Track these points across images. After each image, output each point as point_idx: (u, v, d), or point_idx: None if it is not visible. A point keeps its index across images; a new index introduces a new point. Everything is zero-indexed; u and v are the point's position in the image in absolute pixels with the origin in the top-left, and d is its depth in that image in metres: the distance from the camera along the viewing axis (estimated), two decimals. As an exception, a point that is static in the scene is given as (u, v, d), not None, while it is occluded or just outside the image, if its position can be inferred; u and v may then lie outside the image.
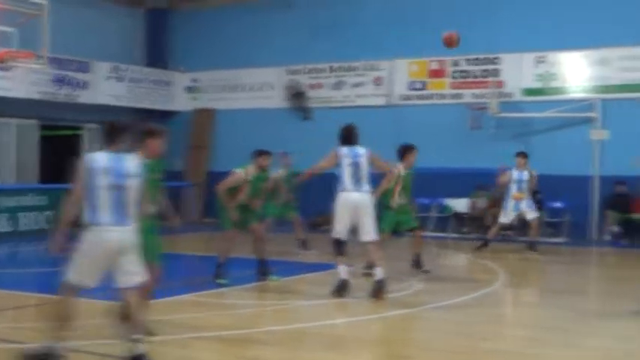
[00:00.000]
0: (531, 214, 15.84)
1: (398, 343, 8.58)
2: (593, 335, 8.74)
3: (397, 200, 12.74)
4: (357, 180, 10.49)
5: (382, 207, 12.50)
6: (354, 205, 10.47)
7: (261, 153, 12.13)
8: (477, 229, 19.54)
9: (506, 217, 16.03)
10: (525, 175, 15.67)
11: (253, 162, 12.03)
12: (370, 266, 11.18)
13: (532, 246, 15.83)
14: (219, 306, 10.21)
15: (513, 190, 15.74)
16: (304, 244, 15.77)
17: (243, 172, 11.89)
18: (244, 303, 10.56)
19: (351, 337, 8.64)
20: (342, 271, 10.59)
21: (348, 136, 10.77)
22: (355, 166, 10.54)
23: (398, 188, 12.65)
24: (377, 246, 10.67)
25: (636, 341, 8.53)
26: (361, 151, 10.68)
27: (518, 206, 15.80)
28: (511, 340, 8.41)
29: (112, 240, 6.80)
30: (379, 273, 10.38)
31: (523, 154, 15.91)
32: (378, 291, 10.31)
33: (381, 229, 11.57)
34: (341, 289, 10.52)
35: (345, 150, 10.63)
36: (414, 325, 9.51)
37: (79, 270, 6.86)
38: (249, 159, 12.04)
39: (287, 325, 8.93)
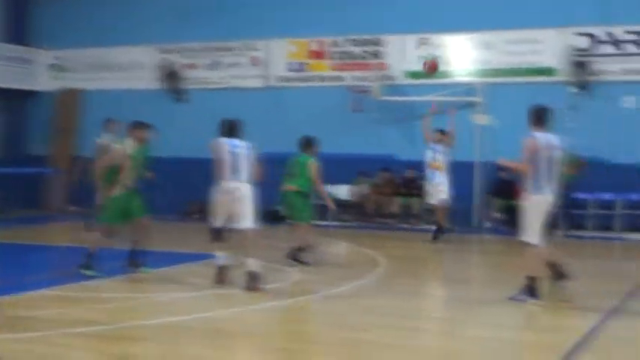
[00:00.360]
0: (440, 195, 16.43)
1: (279, 336, 8.67)
2: (473, 324, 9.05)
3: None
4: (235, 170, 10.74)
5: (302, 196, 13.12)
6: (232, 194, 10.72)
7: (138, 125, 11.95)
8: (359, 216, 19.91)
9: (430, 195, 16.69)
10: (440, 148, 16.43)
11: (131, 135, 11.83)
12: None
13: (437, 233, 16.41)
14: (89, 300, 10.04)
15: (428, 158, 16.58)
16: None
17: (122, 147, 11.74)
18: (116, 296, 10.43)
19: (230, 331, 8.65)
20: (221, 258, 10.82)
21: (229, 129, 11.11)
22: (234, 155, 10.80)
23: None
24: (254, 235, 10.82)
25: (512, 329, 8.91)
26: (242, 143, 11.00)
27: (434, 177, 16.44)
28: (393, 331, 8.61)
29: None
30: (252, 264, 10.55)
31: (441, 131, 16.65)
32: (252, 282, 10.48)
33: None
34: (220, 277, 10.75)
35: (224, 140, 10.94)
36: (294, 316, 9.62)
37: None
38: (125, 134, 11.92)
39: (162, 319, 8.89)
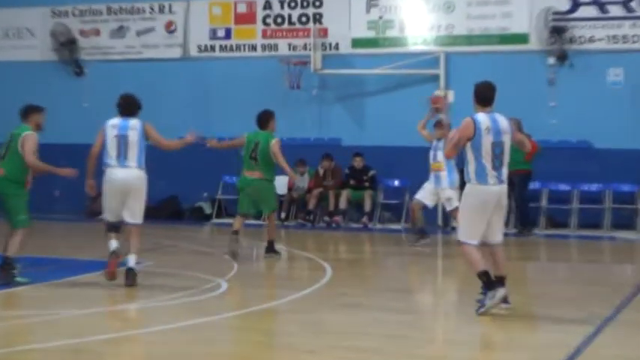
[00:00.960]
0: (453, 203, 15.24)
1: (203, 359, 8.46)
2: (431, 342, 9.02)
3: None
4: (121, 155, 11.29)
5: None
6: (119, 182, 11.35)
7: (36, 109, 12.02)
8: (299, 214, 19.71)
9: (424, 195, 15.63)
10: (442, 145, 15.21)
11: (28, 121, 11.84)
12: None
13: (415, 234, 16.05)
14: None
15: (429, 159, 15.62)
16: None
17: (35, 135, 11.74)
18: (6, 314, 10.16)
19: (143, 354, 8.50)
20: (113, 244, 11.41)
21: (123, 106, 11.56)
22: (122, 138, 11.28)
23: None
24: (138, 230, 11.52)
25: (465, 346, 8.80)
26: (132, 123, 11.40)
27: (438, 181, 15.49)
28: (342, 351, 8.44)
29: None
30: (132, 260, 11.31)
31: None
32: (131, 279, 11.24)
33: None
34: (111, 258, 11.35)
35: (113, 121, 11.47)
36: (219, 335, 9.41)
37: None
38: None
39: (61, 341, 8.62)
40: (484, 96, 10.40)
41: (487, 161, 9.77)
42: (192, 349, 8.74)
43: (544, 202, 18.60)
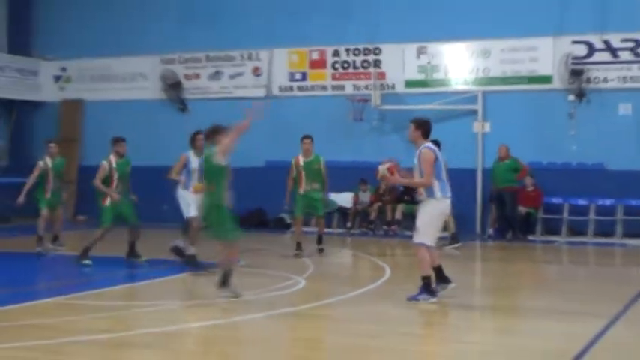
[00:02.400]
0: None
1: (285, 343, 8.58)
2: (474, 330, 8.97)
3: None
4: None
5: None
6: None
7: (116, 140, 13.60)
8: (362, 224, 19.82)
9: None
10: None
11: (112, 150, 13.51)
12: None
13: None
14: (93, 308, 9.98)
15: None
16: (57, 239, 15.61)
17: (106, 163, 13.34)
18: (119, 304, 10.29)
19: (234, 338, 8.60)
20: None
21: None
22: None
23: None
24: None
25: (517, 335, 8.81)
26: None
27: None
28: (396, 336, 8.52)
29: None
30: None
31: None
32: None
33: None
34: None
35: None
36: (299, 324, 9.51)
37: None
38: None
39: (165, 327, 8.80)
40: (430, 129, 10.37)
41: (446, 179, 10.13)
42: (279, 334, 8.89)
43: (565, 214, 18.48)
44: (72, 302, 10.25)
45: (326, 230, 16.61)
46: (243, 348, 8.25)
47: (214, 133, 10.39)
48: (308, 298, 10.76)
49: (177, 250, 12.95)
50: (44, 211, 14.84)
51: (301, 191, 14.54)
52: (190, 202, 12.61)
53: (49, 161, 15.08)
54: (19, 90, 22.95)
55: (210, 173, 10.29)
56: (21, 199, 14.89)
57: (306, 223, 16.49)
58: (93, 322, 9.15)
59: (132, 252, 13.57)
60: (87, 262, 12.94)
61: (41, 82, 23.58)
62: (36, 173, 14.96)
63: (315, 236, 14.96)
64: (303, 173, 14.50)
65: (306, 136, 14.71)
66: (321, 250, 14.70)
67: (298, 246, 14.39)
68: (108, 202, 13.24)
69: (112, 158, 13.39)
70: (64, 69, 23.64)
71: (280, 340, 8.65)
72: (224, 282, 10.15)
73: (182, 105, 22.16)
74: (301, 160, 14.57)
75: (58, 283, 11.94)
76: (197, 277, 12.12)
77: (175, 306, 10.22)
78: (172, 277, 12.44)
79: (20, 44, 23.54)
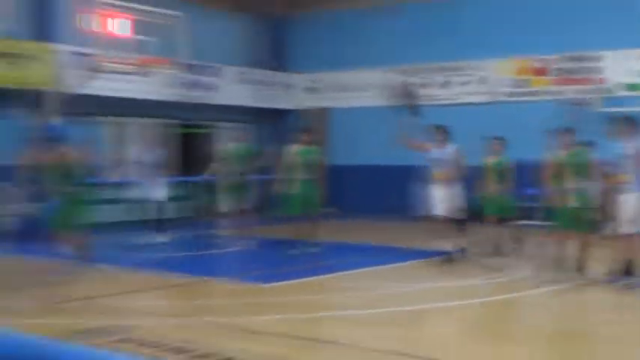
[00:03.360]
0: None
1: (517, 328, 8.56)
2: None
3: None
4: None
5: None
6: None
7: (304, 130, 13.80)
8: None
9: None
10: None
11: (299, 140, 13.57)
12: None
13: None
14: (347, 289, 10.32)
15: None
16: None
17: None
18: (369, 285, 10.45)
19: (467, 319, 8.70)
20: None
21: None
22: None
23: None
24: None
25: None
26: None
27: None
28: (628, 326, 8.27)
29: None
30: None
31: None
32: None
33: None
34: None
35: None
36: (530, 309, 9.44)
37: None
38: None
39: (410, 306, 9.01)
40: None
41: None
42: (505, 316, 8.91)
43: None
44: (337, 282, 10.70)
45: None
46: (489, 327, 8.32)
47: None
48: (524, 286, 10.48)
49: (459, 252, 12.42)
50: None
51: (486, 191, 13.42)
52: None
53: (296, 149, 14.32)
54: (277, 100, 24.21)
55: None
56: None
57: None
58: (346, 300, 9.53)
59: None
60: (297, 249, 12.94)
61: (295, 93, 24.72)
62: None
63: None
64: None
65: (495, 138, 13.90)
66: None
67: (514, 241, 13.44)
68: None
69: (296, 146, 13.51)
70: (313, 81, 24.63)
71: (508, 322, 8.65)
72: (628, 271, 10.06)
73: (414, 111, 22.34)
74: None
75: (315, 265, 12.40)
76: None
77: (417, 288, 10.36)
78: (410, 262, 12.56)
79: (278, 61, 24.96)
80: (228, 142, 15.83)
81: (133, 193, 15.84)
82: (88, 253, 11.29)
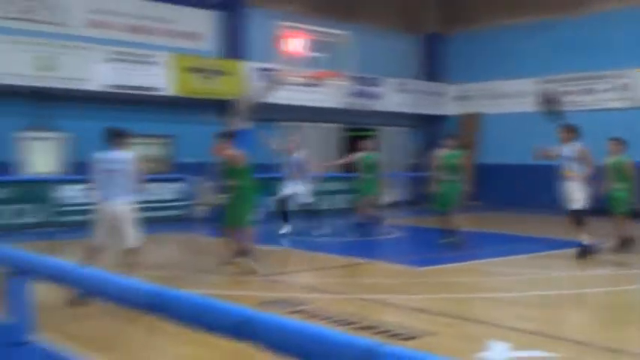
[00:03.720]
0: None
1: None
2: None
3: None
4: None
5: None
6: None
7: (450, 136, 13.11)
8: None
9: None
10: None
11: (446, 145, 12.84)
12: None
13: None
14: (497, 273, 10.05)
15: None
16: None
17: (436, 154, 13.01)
18: (509, 271, 10.16)
19: (608, 304, 8.22)
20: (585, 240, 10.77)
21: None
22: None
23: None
24: None
25: None
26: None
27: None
28: None
29: None
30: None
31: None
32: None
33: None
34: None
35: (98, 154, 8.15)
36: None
37: None
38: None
39: (549, 291, 8.66)
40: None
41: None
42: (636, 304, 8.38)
43: None
44: (478, 268, 10.46)
45: None
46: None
47: None
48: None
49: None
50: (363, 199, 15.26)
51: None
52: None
53: (360, 154, 15.42)
54: (432, 107, 23.88)
55: None
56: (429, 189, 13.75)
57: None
58: (492, 283, 9.27)
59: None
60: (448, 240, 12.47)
61: (445, 101, 24.29)
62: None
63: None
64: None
65: (612, 139, 12.77)
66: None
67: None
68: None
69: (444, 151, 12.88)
70: (465, 91, 24.12)
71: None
72: None
73: (557, 117, 21.42)
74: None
75: (462, 252, 12.19)
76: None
77: (553, 276, 9.95)
78: (543, 253, 12.05)
79: (433, 73, 24.58)
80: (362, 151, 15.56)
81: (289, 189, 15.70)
82: (251, 248, 10.11)
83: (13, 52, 15.24)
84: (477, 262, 10.97)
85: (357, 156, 15.46)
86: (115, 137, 8.08)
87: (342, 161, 17.09)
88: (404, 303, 7.78)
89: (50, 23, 16.84)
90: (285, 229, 14.38)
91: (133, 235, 8.05)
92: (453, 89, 24.40)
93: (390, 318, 7.22)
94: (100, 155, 8.02)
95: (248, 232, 9.92)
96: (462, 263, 10.78)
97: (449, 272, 10.02)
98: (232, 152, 9.87)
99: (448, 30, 24.74)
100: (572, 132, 11.36)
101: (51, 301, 7.38)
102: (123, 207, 7.97)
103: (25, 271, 4.00)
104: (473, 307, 7.93)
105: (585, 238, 10.97)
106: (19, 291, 4.10)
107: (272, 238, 13.32)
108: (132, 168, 8.03)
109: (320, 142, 21.64)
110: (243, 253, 9.83)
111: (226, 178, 9.89)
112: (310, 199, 14.96)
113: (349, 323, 6.79)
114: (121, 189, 7.93)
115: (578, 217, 11.01)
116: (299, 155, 14.85)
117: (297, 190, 14.68)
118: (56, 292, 7.57)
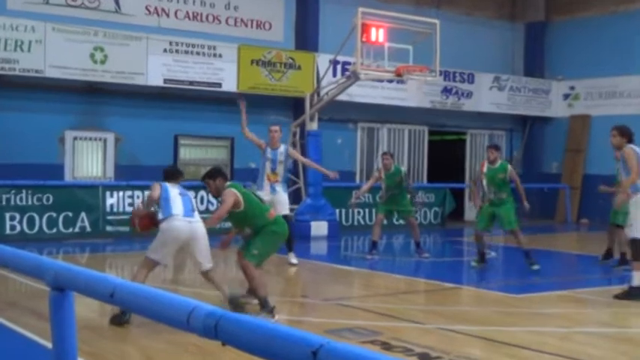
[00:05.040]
0: None
1: None
2: None
3: None
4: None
5: None
6: None
7: (490, 147, 12.85)
8: None
9: None
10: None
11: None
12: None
13: None
14: (597, 302, 9.89)
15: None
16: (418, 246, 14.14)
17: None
18: (614, 301, 9.73)
19: None
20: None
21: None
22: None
23: None
24: None
25: None
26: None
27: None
28: None
29: None
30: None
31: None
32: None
33: None
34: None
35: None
36: None
37: None
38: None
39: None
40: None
41: None
42: None
43: None
44: (577, 295, 10.30)
45: None
46: None
47: None
48: None
49: None
50: (378, 215, 14.09)
51: None
52: None
53: (382, 171, 13.85)
54: (532, 107, 23.52)
55: None
56: (478, 202, 13.13)
57: None
58: (599, 315, 9.11)
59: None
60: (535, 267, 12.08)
61: (552, 99, 23.89)
62: (370, 182, 14.26)
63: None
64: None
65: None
66: None
67: None
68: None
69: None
70: (572, 88, 23.71)
71: None
72: None
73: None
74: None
75: (563, 278, 12.02)
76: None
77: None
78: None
79: (534, 68, 24.19)
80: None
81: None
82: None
83: (60, 42, 15.81)
84: (579, 290, 10.78)
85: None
86: (170, 177, 8.52)
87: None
88: (495, 336, 7.71)
89: (102, 10, 17.41)
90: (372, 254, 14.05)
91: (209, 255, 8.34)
92: (559, 86, 23.98)
93: (476, 353, 7.18)
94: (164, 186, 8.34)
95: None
96: (561, 292, 10.62)
97: (547, 301, 9.89)
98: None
99: (553, 18, 24.33)
100: None
101: (89, 316, 7.64)
102: (199, 224, 8.25)
103: (67, 286, 4.16)
104: (577, 343, 7.81)
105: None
106: (63, 309, 4.24)
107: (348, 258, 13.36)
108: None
109: (402, 147, 21.62)
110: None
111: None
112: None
113: (427, 358, 6.78)
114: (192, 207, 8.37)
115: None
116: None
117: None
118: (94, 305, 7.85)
